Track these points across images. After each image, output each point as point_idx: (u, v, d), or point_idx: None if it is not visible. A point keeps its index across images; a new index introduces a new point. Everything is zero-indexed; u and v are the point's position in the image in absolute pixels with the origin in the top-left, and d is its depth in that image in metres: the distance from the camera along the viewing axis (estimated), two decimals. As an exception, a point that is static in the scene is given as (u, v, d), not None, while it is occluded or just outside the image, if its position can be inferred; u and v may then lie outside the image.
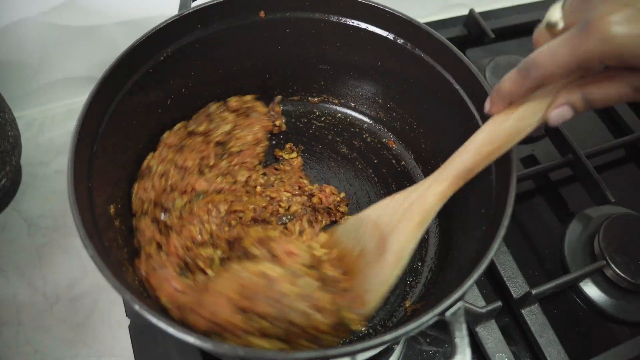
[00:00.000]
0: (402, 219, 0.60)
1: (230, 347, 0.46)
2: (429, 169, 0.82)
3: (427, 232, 0.77)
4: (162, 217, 0.69)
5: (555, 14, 0.48)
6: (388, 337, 0.47)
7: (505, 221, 0.55)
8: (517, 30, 1.12)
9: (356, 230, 0.64)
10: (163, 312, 0.59)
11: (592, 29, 0.41)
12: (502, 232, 0.54)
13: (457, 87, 0.69)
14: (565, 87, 0.49)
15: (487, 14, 1.13)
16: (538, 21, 1.15)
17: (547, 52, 0.45)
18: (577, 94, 0.47)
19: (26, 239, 0.84)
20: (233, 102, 0.81)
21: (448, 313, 0.50)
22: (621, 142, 0.92)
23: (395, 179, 0.82)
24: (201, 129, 0.78)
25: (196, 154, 0.76)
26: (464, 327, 0.50)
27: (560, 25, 0.47)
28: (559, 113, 0.48)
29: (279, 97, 0.87)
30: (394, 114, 0.84)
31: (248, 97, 0.83)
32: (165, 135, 0.76)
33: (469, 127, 0.68)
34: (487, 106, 0.55)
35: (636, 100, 0.44)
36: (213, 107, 0.80)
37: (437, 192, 0.59)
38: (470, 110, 0.68)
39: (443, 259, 0.73)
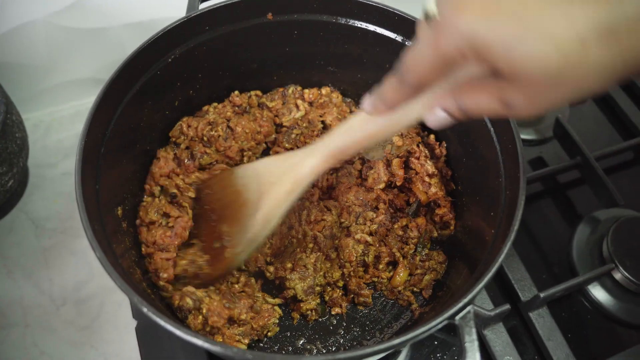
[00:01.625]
0: (275, 183, 0.62)
1: (238, 351, 0.46)
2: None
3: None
4: (186, 161, 0.75)
5: (430, 3, 0.44)
6: (397, 341, 0.47)
7: (515, 225, 0.54)
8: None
9: (249, 177, 0.67)
10: (171, 314, 0.59)
11: (445, 21, 0.38)
12: (511, 236, 0.54)
13: (466, 89, 0.69)
14: (443, 92, 0.46)
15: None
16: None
17: (414, 53, 0.42)
18: (450, 100, 0.44)
19: (33, 240, 0.84)
20: (308, 93, 0.84)
21: (458, 317, 0.50)
22: (630, 145, 0.91)
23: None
24: (272, 104, 0.83)
25: (252, 124, 0.80)
26: (473, 331, 0.50)
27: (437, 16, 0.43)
28: (436, 118, 0.46)
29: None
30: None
31: (326, 90, 0.85)
32: (236, 92, 0.82)
33: (477, 127, 0.68)
34: (367, 107, 0.51)
35: (508, 116, 0.41)
36: (291, 88, 0.84)
37: (309, 165, 0.60)
38: (478, 113, 0.67)
39: (452, 262, 0.72)
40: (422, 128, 0.81)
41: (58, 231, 0.85)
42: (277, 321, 0.67)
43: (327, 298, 0.70)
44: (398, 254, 0.71)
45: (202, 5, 0.72)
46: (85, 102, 1.01)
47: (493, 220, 0.62)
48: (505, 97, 0.39)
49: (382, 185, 0.75)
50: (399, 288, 0.71)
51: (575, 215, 0.87)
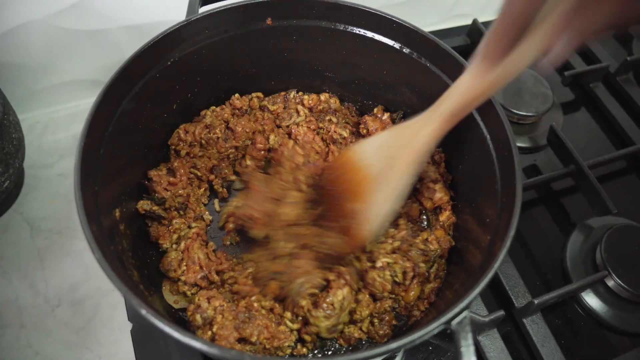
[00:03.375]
0: (395, 157, 0.62)
1: (237, 353, 0.46)
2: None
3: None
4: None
5: None
6: (394, 345, 0.47)
7: (511, 232, 0.55)
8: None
9: (367, 152, 0.67)
10: (168, 316, 0.59)
11: None
12: (507, 243, 0.55)
13: (463, 96, 0.69)
14: (553, 26, 0.45)
15: (490, 24, 1.14)
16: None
17: None
18: (566, 25, 0.43)
19: (28, 241, 0.83)
20: (307, 99, 0.85)
21: (454, 322, 0.50)
22: (623, 154, 0.92)
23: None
24: (273, 107, 0.83)
25: (253, 124, 0.80)
26: (469, 336, 0.50)
27: None
28: (555, 53, 0.44)
29: None
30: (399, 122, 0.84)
31: (325, 96, 0.85)
32: (236, 95, 0.82)
33: (473, 136, 0.69)
34: (479, 55, 0.51)
35: (628, 20, 0.40)
36: (292, 93, 0.85)
37: (426, 134, 0.60)
38: (475, 120, 0.68)
39: (448, 268, 0.73)
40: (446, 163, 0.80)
41: (53, 232, 0.85)
42: (292, 344, 0.65)
43: (345, 331, 0.68)
44: (423, 268, 0.70)
45: (202, 9, 0.72)
46: (82, 103, 1.01)
47: (488, 226, 0.63)
48: (626, 6, 0.39)
49: None
50: (412, 303, 0.70)
51: (569, 223, 0.87)
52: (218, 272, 0.69)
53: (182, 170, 0.75)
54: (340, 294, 0.66)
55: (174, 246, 0.71)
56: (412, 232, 0.72)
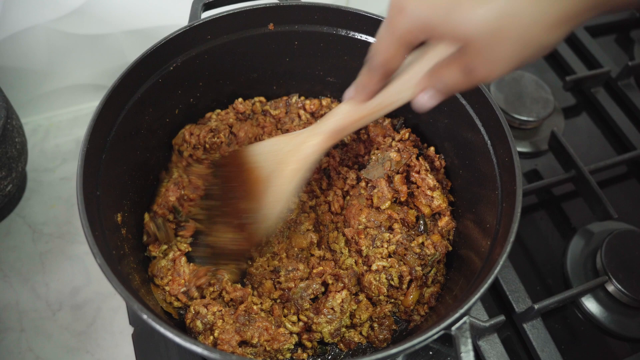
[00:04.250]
0: (282, 162, 0.65)
1: (237, 358, 0.46)
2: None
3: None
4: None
5: None
6: (393, 350, 0.48)
7: (511, 237, 0.55)
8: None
9: (259, 155, 0.70)
10: (168, 320, 0.60)
11: (397, 6, 0.44)
12: (507, 248, 0.55)
13: (464, 102, 0.70)
14: (423, 76, 0.51)
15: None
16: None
17: (376, 41, 0.49)
18: (428, 79, 0.50)
19: (30, 245, 0.84)
20: (309, 104, 0.85)
21: (454, 328, 0.50)
22: (624, 159, 0.92)
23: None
24: (275, 112, 0.84)
25: (255, 129, 0.81)
26: (469, 341, 0.50)
27: None
28: (421, 99, 0.51)
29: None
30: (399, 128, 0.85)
31: (327, 101, 0.86)
32: (239, 100, 0.83)
33: (474, 140, 0.69)
34: (349, 95, 0.58)
35: (473, 83, 0.46)
36: (294, 98, 0.86)
37: (311, 145, 0.63)
38: (476, 125, 0.68)
39: (448, 273, 0.73)
40: (421, 140, 0.82)
41: (55, 236, 0.85)
42: (292, 347, 0.66)
43: (345, 335, 0.68)
44: (420, 272, 0.70)
45: (205, 15, 0.72)
46: (84, 107, 1.02)
47: (489, 231, 0.63)
48: (466, 64, 0.44)
49: (387, 203, 0.73)
50: (411, 307, 0.70)
51: (570, 228, 0.88)
52: (197, 287, 0.69)
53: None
54: (339, 297, 0.67)
55: (162, 255, 0.71)
56: (408, 236, 0.72)
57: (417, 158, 0.77)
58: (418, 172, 0.75)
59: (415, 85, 0.52)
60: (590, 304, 0.77)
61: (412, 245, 0.71)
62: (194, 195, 0.74)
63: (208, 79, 0.77)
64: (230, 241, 0.70)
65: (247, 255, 0.73)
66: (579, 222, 0.87)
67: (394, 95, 0.55)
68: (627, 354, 0.74)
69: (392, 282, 0.69)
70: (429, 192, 0.74)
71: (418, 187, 0.75)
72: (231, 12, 0.72)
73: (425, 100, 0.51)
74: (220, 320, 0.63)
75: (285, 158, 0.65)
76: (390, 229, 0.73)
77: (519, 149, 0.95)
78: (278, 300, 0.70)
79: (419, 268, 0.70)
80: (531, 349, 0.72)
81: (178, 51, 0.71)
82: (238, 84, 0.81)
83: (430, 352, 0.72)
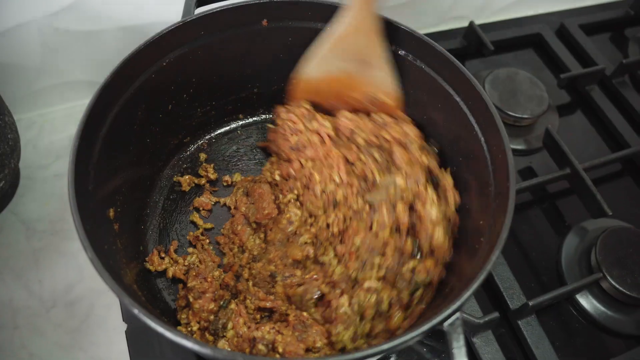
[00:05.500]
0: (358, 33, 0.71)
1: (229, 353, 0.46)
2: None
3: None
4: None
5: None
6: (385, 346, 0.47)
7: (504, 234, 0.55)
8: (516, 43, 1.13)
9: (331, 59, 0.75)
10: (160, 316, 0.59)
11: None
12: (500, 244, 0.54)
13: (458, 99, 0.70)
14: None
15: (486, 27, 1.14)
16: (537, 34, 1.16)
17: None
18: None
19: (23, 242, 0.83)
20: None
21: (446, 324, 0.50)
22: (618, 156, 0.92)
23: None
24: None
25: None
26: (461, 337, 0.50)
27: None
28: None
29: None
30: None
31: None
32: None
33: (468, 139, 0.69)
34: None
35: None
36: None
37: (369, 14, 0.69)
38: (470, 122, 0.68)
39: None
40: (440, 164, 0.76)
41: (48, 233, 0.85)
42: None
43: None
44: (405, 298, 0.65)
45: (198, 10, 0.72)
46: (78, 104, 1.01)
47: (482, 229, 0.63)
48: None
49: (387, 232, 0.68)
50: (397, 326, 0.65)
51: (564, 225, 0.88)
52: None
53: None
54: (343, 300, 0.64)
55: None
56: (399, 262, 0.67)
57: (425, 188, 0.69)
58: (424, 203, 0.68)
59: None
60: (585, 301, 0.78)
61: (403, 270, 0.66)
62: None
63: (201, 75, 0.77)
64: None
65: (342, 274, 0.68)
66: (573, 219, 0.88)
67: None
68: (622, 351, 0.74)
69: (380, 308, 0.65)
70: (430, 227, 0.67)
71: (420, 219, 0.68)
72: (224, 8, 0.72)
73: None
74: (280, 336, 0.61)
75: (361, 29, 0.70)
76: (382, 253, 0.68)
77: (513, 147, 0.95)
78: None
79: (405, 293, 0.65)
80: (525, 345, 0.72)
81: (171, 47, 0.70)
82: (232, 79, 0.81)
83: (425, 349, 0.72)
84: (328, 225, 0.73)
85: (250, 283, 0.70)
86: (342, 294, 0.66)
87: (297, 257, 0.71)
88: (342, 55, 0.74)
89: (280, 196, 0.78)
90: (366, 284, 0.65)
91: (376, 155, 0.73)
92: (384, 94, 0.76)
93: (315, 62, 0.76)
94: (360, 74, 0.75)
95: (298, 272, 0.70)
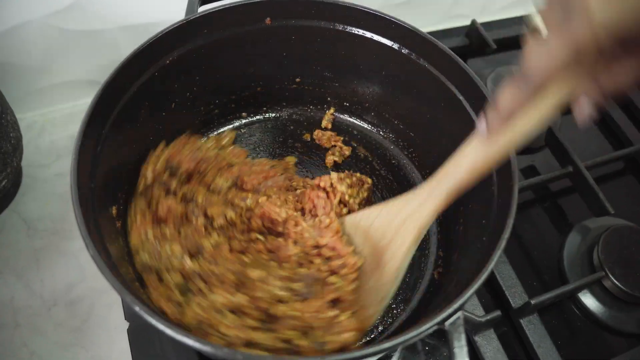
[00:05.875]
0: (397, 235, 0.59)
1: (229, 351, 0.46)
2: (426, 176, 0.83)
3: (428, 242, 0.77)
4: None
5: (535, 18, 0.43)
6: (387, 345, 0.47)
7: (506, 233, 0.55)
8: (519, 41, 1.12)
9: (350, 231, 0.64)
10: (162, 314, 0.59)
11: (576, 14, 0.36)
12: (502, 243, 0.54)
13: (461, 97, 0.70)
14: (574, 82, 0.44)
15: (488, 25, 1.14)
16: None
17: (539, 52, 0.41)
18: (588, 83, 0.41)
19: (25, 241, 0.83)
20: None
21: (447, 322, 0.50)
22: (621, 155, 0.92)
23: (398, 185, 0.83)
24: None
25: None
26: (463, 336, 0.50)
27: (543, 28, 0.41)
28: (582, 111, 0.43)
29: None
30: (397, 123, 0.84)
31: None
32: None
33: (470, 136, 0.69)
34: (483, 129, 0.50)
35: None
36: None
37: (432, 209, 0.57)
38: (473, 121, 0.68)
39: (443, 268, 0.73)
40: (416, 136, 0.79)
41: (50, 232, 0.85)
42: None
43: None
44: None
45: (201, 9, 0.72)
46: (80, 103, 1.01)
47: (484, 228, 0.63)
48: None
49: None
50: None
51: (566, 224, 0.87)
52: None
53: None
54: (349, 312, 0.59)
55: None
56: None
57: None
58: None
59: (562, 94, 0.44)
60: (587, 300, 0.77)
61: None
62: None
63: (205, 73, 0.77)
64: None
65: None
66: (575, 217, 0.87)
67: (530, 116, 0.47)
68: (624, 349, 0.74)
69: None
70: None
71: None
72: (228, 6, 0.72)
73: (583, 111, 0.43)
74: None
75: (401, 230, 0.58)
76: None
77: (516, 145, 0.95)
78: None
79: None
80: (527, 344, 0.72)
81: (174, 45, 0.70)
82: (235, 78, 0.81)
83: (427, 348, 0.72)
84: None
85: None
86: (348, 307, 0.60)
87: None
88: (375, 235, 0.61)
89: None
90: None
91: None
92: (360, 307, 0.59)
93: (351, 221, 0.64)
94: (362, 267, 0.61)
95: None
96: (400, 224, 0.59)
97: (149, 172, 0.69)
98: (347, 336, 0.55)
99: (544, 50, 0.40)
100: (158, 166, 0.70)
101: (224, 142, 0.82)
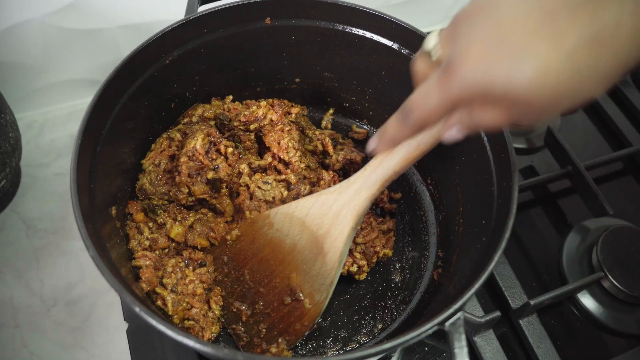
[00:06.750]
0: (335, 224, 0.62)
1: (229, 353, 0.46)
2: (426, 177, 0.83)
3: (428, 243, 0.77)
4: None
5: (430, 41, 0.47)
6: (387, 345, 0.47)
7: (507, 234, 0.55)
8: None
9: (282, 222, 0.67)
10: (163, 315, 0.59)
11: (452, 71, 0.41)
12: (502, 244, 0.54)
13: (460, 97, 0.70)
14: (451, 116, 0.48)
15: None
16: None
17: (420, 97, 0.45)
18: (463, 116, 0.45)
19: (24, 240, 0.83)
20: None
21: (447, 323, 0.50)
22: (620, 155, 0.92)
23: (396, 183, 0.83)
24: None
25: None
26: (463, 337, 0.50)
27: (436, 54, 0.47)
28: (450, 134, 0.48)
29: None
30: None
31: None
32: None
33: (471, 138, 0.69)
34: (371, 146, 0.55)
35: (520, 123, 0.44)
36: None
37: (367, 197, 0.61)
38: (472, 121, 0.68)
39: (443, 269, 0.73)
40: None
41: (49, 232, 0.84)
42: None
43: None
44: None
45: (201, 8, 0.72)
46: (80, 102, 1.01)
47: (484, 228, 0.63)
48: (513, 115, 0.41)
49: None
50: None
51: (566, 224, 0.88)
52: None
53: None
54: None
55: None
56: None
57: None
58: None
59: (445, 122, 0.48)
60: (586, 300, 0.77)
61: None
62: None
63: (204, 72, 0.76)
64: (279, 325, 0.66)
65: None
66: (574, 218, 0.87)
67: (426, 138, 0.55)
68: (623, 350, 0.74)
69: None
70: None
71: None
72: (228, 6, 0.71)
73: (451, 136, 0.48)
74: None
75: (339, 218, 0.62)
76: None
77: (515, 145, 0.95)
78: None
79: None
80: (527, 345, 0.72)
81: (174, 45, 0.70)
82: (235, 77, 0.81)
83: (426, 349, 0.72)
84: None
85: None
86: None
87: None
88: (313, 221, 0.64)
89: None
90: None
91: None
92: (304, 292, 0.65)
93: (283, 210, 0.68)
94: (300, 255, 0.66)
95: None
96: (336, 213, 0.62)
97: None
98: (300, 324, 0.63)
99: (423, 98, 0.45)
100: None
101: None
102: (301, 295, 0.65)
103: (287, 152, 0.75)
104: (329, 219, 0.63)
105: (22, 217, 0.86)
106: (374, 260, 0.72)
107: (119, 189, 0.66)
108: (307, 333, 0.66)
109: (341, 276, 0.69)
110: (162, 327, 0.45)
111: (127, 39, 0.95)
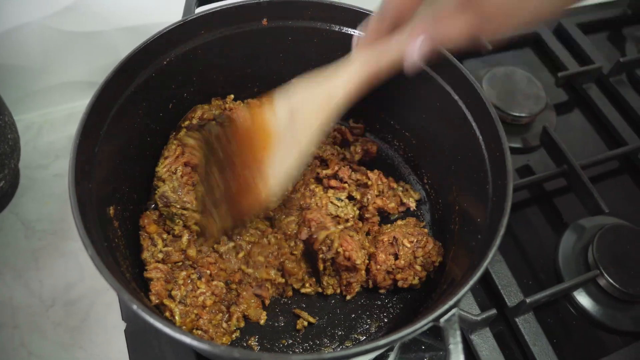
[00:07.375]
0: (313, 112, 0.62)
1: (226, 349, 0.46)
2: (422, 176, 0.83)
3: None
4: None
5: None
6: (382, 342, 0.48)
7: (501, 232, 0.55)
8: (514, 42, 1.13)
9: (282, 110, 0.65)
10: (160, 313, 0.60)
11: None
12: (497, 241, 0.55)
13: (456, 97, 0.70)
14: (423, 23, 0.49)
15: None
16: (535, 33, 1.16)
17: None
18: (429, 26, 0.48)
19: (23, 241, 0.84)
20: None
21: (442, 320, 0.51)
22: (615, 154, 0.93)
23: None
24: None
25: None
26: (458, 333, 0.50)
27: None
28: (414, 48, 0.48)
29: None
30: (393, 123, 0.85)
31: None
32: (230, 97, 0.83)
33: (465, 136, 0.69)
34: (354, 40, 0.61)
35: (484, 32, 0.45)
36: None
37: (347, 89, 0.59)
38: (468, 120, 0.69)
39: (438, 266, 0.73)
40: (412, 136, 0.82)
41: (48, 232, 0.85)
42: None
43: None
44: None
45: (198, 10, 0.73)
46: (78, 104, 1.02)
47: (479, 226, 0.63)
48: (477, 24, 0.45)
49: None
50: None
51: (561, 223, 0.88)
52: None
53: None
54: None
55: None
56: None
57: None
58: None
59: (411, 31, 0.49)
60: (582, 298, 0.78)
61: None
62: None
63: (202, 74, 0.77)
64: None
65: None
66: (570, 217, 0.88)
67: (394, 45, 0.53)
68: (619, 347, 0.75)
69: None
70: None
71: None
72: (225, 7, 0.72)
73: (416, 48, 0.48)
74: None
75: (315, 109, 0.61)
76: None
77: (511, 145, 0.96)
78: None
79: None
80: (523, 342, 0.72)
81: (171, 46, 0.71)
82: (232, 79, 0.81)
83: (423, 347, 0.72)
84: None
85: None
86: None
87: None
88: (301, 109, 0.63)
89: None
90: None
91: None
92: (264, 178, 0.65)
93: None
94: (280, 142, 0.65)
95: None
96: (318, 101, 0.62)
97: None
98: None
99: None
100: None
101: None
102: (260, 174, 0.65)
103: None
104: (310, 106, 0.62)
105: (21, 219, 0.86)
106: (431, 269, 0.73)
107: (117, 189, 0.67)
108: (249, 218, 0.71)
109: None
110: (159, 325, 0.46)
111: (125, 41, 0.95)
